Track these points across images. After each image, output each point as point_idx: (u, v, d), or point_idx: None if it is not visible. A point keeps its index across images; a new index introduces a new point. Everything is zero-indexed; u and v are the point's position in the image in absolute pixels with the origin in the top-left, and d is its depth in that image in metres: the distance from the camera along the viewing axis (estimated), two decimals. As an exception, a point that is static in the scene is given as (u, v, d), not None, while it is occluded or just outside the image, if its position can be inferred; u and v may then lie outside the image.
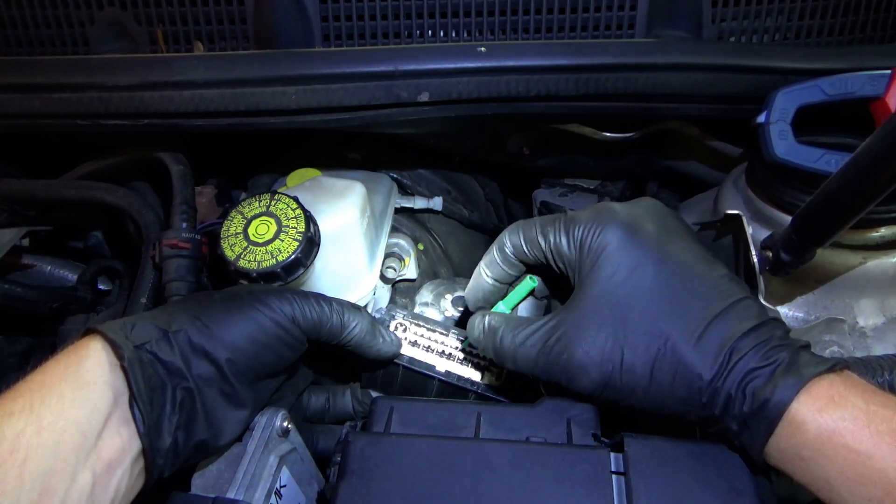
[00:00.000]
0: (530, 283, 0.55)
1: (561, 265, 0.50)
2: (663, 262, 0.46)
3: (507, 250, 0.53)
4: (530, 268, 0.55)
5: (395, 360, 0.60)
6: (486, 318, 0.53)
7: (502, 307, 0.55)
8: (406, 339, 0.62)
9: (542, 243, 0.50)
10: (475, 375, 0.61)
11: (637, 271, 0.45)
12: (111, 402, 0.40)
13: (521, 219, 0.54)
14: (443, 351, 0.62)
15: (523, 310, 0.63)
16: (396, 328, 0.62)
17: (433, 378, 0.60)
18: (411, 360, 0.61)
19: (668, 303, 0.44)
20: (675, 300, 0.44)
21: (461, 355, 0.62)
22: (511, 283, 0.56)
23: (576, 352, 0.46)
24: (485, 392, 0.60)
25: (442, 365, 0.61)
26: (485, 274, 0.55)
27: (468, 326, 0.55)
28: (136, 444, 0.41)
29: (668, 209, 0.52)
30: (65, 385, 0.39)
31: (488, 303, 0.57)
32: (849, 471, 0.37)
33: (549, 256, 0.51)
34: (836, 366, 0.40)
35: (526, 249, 0.52)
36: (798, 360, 0.41)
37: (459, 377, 0.61)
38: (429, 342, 0.62)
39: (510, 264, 0.53)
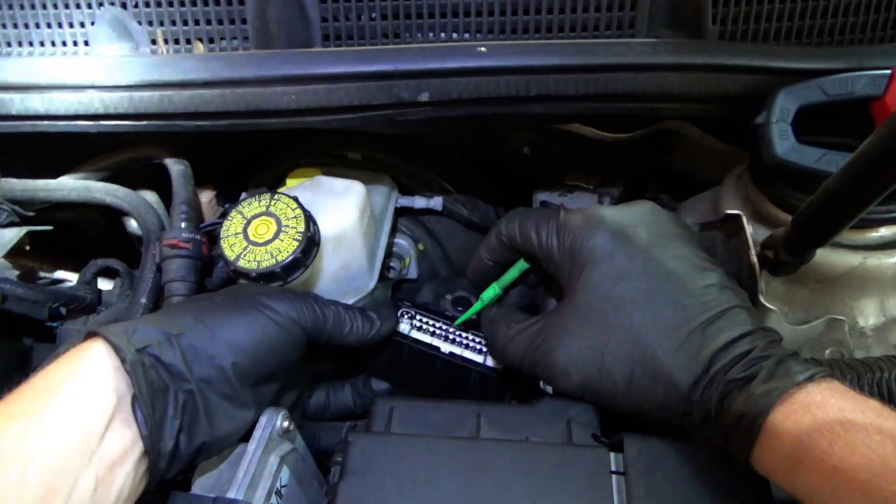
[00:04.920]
0: (523, 264, 0.57)
1: (552, 266, 0.52)
2: (649, 271, 0.46)
3: (503, 238, 0.55)
4: (525, 256, 0.57)
5: (401, 340, 0.62)
6: (493, 311, 0.57)
7: (496, 287, 0.60)
8: (413, 324, 0.64)
9: (535, 242, 0.52)
10: (478, 358, 0.63)
11: (622, 281, 0.46)
12: (113, 404, 0.40)
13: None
14: (447, 336, 0.64)
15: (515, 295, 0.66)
16: (403, 315, 0.65)
17: (437, 357, 0.62)
18: (416, 340, 0.63)
19: (650, 314, 0.45)
20: (656, 311, 0.45)
21: (465, 341, 0.64)
22: (509, 263, 0.59)
23: (558, 354, 0.48)
24: (488, 372, 0.62)
25: (446, 347, 0.63)
26: (484, 256, 0.58)
27: (481, 317, 0.59)
28: (138, 447, 0.41)
29: (664, 212, 0.52)
30: (67, 387, 0.39)
31: (487, 281, 0.60)
32: (825, 482, 0.36)
33: (541, 257, 0.52)
34: (817, 374, 0.39)
35: (520, 242, 0.54)
36: (777, 371, 0.40)
37: (463, 358, 0.63)
38: (433, 328, 0.65)
39: (507, 249, 0.56)
